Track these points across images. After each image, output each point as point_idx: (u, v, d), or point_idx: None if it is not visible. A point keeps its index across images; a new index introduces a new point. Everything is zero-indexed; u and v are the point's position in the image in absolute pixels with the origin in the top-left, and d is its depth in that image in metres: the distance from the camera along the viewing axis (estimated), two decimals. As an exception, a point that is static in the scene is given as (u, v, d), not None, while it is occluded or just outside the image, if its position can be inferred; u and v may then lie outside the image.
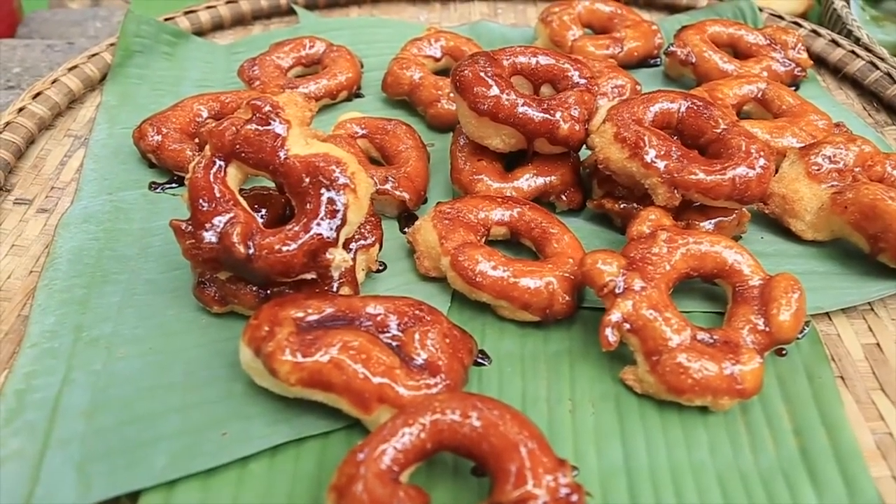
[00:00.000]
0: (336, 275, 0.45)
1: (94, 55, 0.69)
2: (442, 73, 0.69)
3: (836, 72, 0.73)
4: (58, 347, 0.45)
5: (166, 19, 0.76)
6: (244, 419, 0.41)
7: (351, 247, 0.47)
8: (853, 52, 0.71)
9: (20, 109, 0.62)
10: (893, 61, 0.69)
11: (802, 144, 0.57)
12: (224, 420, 0.41)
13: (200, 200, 0.44)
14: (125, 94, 0.68)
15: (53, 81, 0.65)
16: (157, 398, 0.43)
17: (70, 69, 0.67)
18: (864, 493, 0.39)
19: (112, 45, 0.71)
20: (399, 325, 0.42)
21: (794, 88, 0.70)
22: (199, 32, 0.78)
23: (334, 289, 0.46)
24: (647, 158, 0.49)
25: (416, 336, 0.42)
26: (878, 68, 0.69)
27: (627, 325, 0.43)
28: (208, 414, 0.42)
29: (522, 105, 0.52)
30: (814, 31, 0.75)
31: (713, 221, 0.51)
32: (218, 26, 0.80)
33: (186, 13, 0.78)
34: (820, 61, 0.74)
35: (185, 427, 0.41)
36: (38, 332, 0.46)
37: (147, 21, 0.74)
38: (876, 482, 0.40)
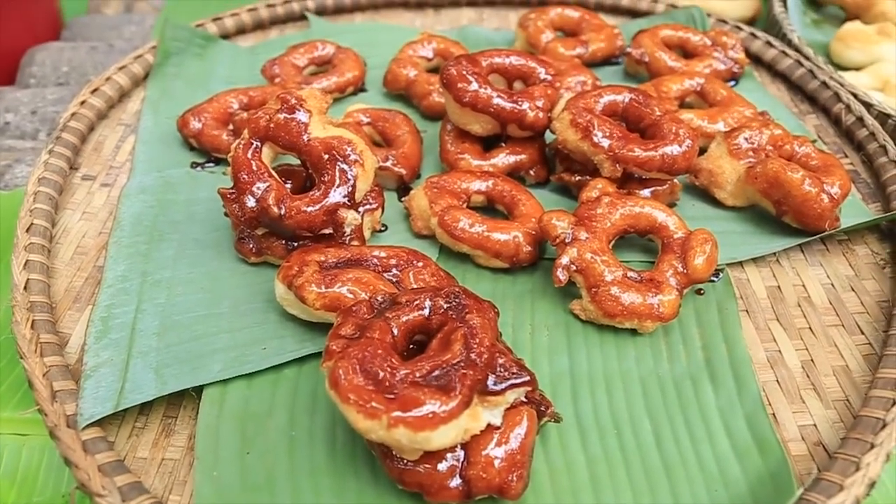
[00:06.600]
0: (348, 231, 0.57)
1: (138, 56, 0.82)
2: (433, 71, 0.81)
3: (769, 69, 0.86)
4: (129, 287, 0.57)
5: (197, 25, 0.89)
6: (279, 338, 0.54)
7: (359, 210, 0.59)
8: (784, 52, 0.84)
9: (82, 102, 0.74)
10: (816, 60, 0.82)
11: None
12: (263, 339, 0.54)
13: (242, 173, 0.57)
14: (165, 89, 0.81)
15: (107, 79, 0.78)
16: (211, 323, 0.55)
17: (120, 68, 0.80)
18: (749, 390, 0.51)
19: (153, 47, 0.84)
20: (398, 266, 0.55)
21: (733, 83, 0.82)
22: (225, 36, 0.91)
23: (346, 242, 0.58)
24: (595, 139, 0.61)
25: (411, 274, 0.54)
26: (802, 66, 0.81)
27: (574, 267, 0.55)
28: (250, 335, 0.54)
29: (497, 97, 0.64)
30: (752, 34, 0.87)
31: (650, 190, 0.63)
32: (240, 31, 0.92)
33: (214, 20, 0.90)
34: (757, 60, 0.87)
35: (234, 343, 0.53)
36: (113, 276, 0.58)
37: (182, 27, 0.86)
38: (763, 385, 0.52)
